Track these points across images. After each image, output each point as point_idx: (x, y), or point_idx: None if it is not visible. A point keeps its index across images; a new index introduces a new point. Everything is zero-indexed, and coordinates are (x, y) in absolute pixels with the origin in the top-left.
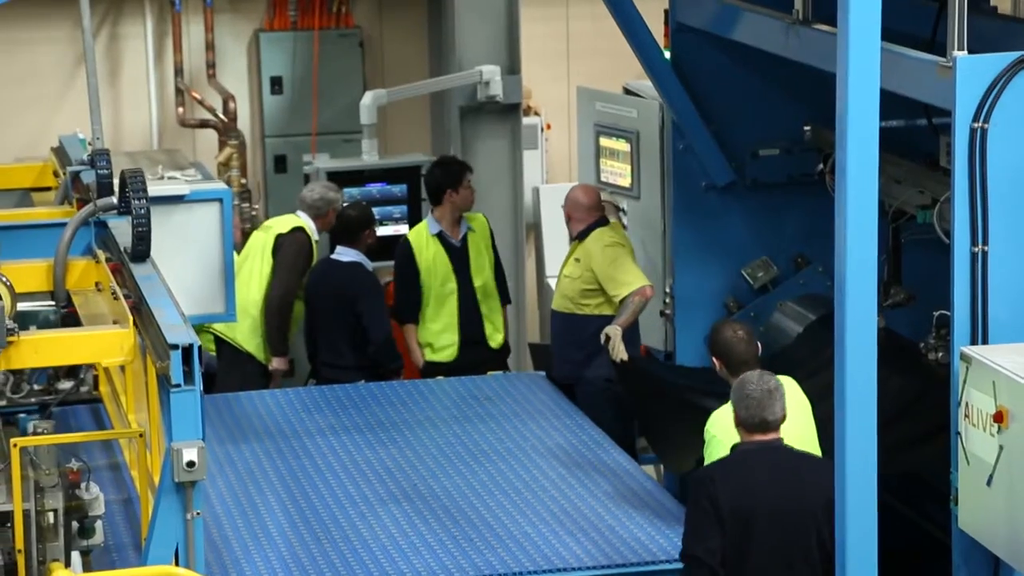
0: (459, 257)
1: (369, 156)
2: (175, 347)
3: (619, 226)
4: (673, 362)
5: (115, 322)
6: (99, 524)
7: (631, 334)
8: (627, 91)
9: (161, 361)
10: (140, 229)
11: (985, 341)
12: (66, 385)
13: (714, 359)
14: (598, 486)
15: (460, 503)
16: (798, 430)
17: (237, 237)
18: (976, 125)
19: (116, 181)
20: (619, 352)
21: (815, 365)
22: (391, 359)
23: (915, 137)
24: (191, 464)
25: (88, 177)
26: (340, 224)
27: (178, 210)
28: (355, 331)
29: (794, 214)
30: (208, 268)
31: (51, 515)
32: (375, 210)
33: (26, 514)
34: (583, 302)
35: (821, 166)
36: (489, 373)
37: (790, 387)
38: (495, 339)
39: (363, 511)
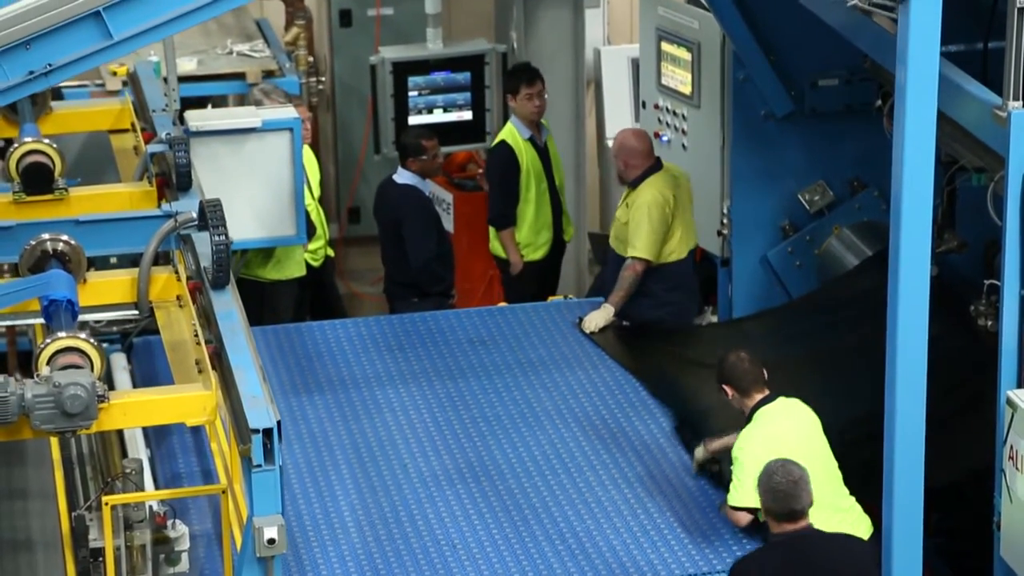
0: (546, 158)
1: (434, 45)
2: (256, 431)
3: (669, 174)
4: (729, 270)
5: (196, 362)
6: (184, 555)
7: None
8: None
9: (243, 444)
10: (220, 260)
11: None
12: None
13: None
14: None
15: (525, 485)
16: (812, 450)
17: (306, 134)
18: None
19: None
20: (589, 326)
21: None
22: (432, 283)
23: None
24: (271, 541)
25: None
26: (397, 147)
27: (250, 139)
28: (401, 252)
29: (851, 139)
30: (279, 193)
31: (139, 550)
32: (440, 97)
33: (116, 549)
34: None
35: (879, 102)
36: (550, 299)
37: (798, 409)
38: (568, 232)
39: (434, 494)
